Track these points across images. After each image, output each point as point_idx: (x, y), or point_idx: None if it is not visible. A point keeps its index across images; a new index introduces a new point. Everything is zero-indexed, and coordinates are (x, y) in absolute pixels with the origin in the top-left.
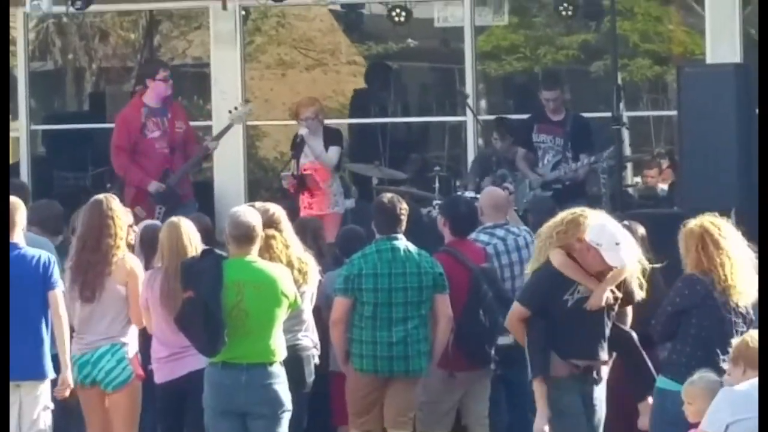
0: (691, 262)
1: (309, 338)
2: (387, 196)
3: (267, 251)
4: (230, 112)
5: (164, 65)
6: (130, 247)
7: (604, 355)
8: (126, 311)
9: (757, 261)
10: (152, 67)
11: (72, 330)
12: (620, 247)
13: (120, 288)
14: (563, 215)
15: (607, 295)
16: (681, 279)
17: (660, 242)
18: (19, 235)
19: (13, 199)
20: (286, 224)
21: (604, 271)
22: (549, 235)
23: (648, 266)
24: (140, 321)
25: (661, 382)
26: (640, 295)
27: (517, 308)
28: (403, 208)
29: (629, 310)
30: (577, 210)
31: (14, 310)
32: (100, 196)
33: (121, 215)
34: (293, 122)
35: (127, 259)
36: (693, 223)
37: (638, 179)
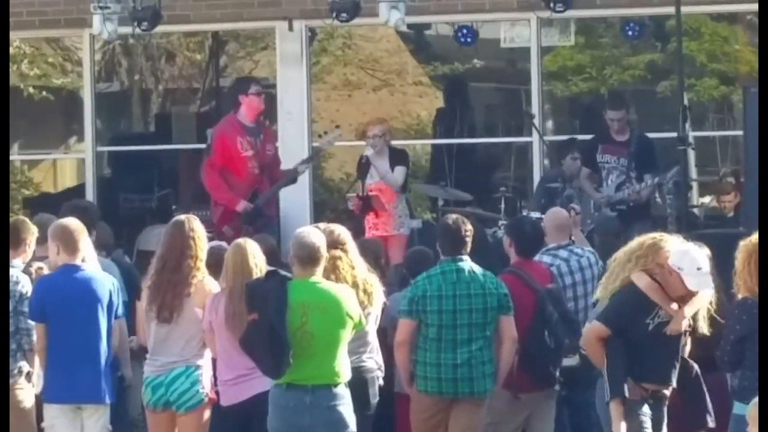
0: (741, 281)
1: (374, 360)
2: (452, 217)
3: (333, 272)
4: (320, 136)
5: (256, 80)
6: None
7: (674, 380)
8: (202, 334)
9: None
10: (245, 83)
11: (145, 351)
12: (702, 272)
13: (198, 310)
14: (642, 240)
15: (687, 320)
16: (737, 305)
17: (725, 263)
18: (83, 257)
19: (75, 223)
20: (351, 245)
21: (684, 296)
22: (627, 259)
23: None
24: None
25: (737, 408)
26: (704, 329)
27: (596, 327)
28: (468, 229)
29: (689, 340)
30: (656, 235)
31: (78, 333)
32: (182, 216)
33: (203, 237)
34: (359, 143)
35: (206, 282)
36: (747, 239)
37: (705, 200)
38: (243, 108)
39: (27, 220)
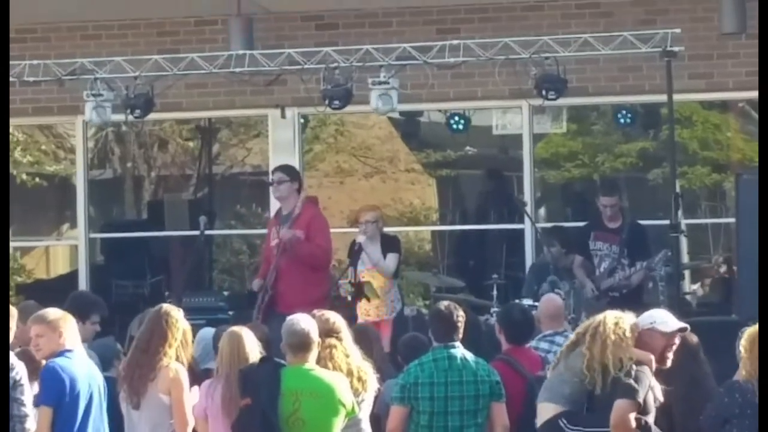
0: (743, 366)
1: None
2: (444, 304)
3: (329, 360)
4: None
5: (277, 169)
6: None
7: None
8: (169, 420)
9: None
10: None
11: None
12: (667, 314)
13: (162, 396)
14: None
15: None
16: (723, 385)
17: (717, 350)
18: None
19: (61, 313)
20: (345, 333)
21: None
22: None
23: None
24: (185, 431)
25: None
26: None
27: (627, 405)
28: (460, 315)
29: None
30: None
31: (85, 418)
32: (166, 305)
33: (178, 324)
34: (352, 230)
35: (172, 367)
36: (752, 327)
37: (695, 287)
38: None
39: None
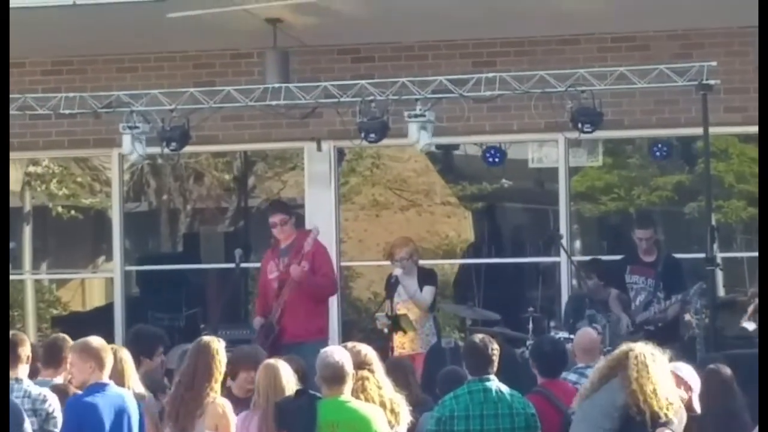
0: None
1: None
2: (478, 337)
3: (362, 392)
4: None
5: (274, 209)
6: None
7: None
8: None
9: None
10: (267, 212)
11: None
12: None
13: None
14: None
15: None
16: None
17: (753, 383)
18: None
19: (102, 343)
20: (377, 365)
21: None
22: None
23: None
24: None
25: None
26: None
27: None
28: (494, 348)
29: None
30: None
31: None
32: (206, 337)
33: (223, 359)
34: (387, 263)
35: (218, 403)
36: None
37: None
38: None
39: (66, 337)
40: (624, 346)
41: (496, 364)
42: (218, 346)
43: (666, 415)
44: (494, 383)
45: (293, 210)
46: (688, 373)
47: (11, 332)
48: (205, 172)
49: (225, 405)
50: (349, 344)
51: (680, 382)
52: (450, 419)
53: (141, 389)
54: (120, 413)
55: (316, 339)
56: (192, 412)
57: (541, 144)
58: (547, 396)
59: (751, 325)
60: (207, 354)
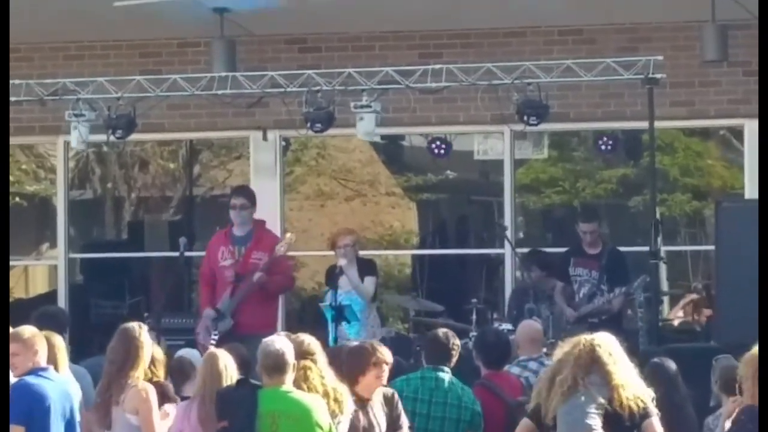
0: (748, 391)
1: None
2: (442, 331)
3: (304, 382)
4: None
5: (237, 192)
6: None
7: None
8: None
9: None
10: (230, 193)
11: None
12: None
13: (130, 417)
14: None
15: None
16: (742, 410)
17: (696, 377)
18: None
19: (35, 332)
20: (320, 355)
21: None
22: None
23: None
24: None
25: None
26: None
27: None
28: (456, 344)
29: None
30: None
31: None
32: (131, 323)
33: (146, 345)
34: (331, 253)
35: (141, 387)
36: (748, 354)
37: (681, 314)
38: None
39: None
40: (584, 339)
41: (454, 359)
42: (140, 330)
43: (645, 404)
44: (448, 375)
45: (255, 200)
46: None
47: None
48: (150, 161)
49: (148, 389)
50: (292, 335)
51: None
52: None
53: (70, 375)
54: (64, 396)
55: (267, 331)
56: (115, 395)
57: (486, 136)
58: (491, 388)
59: (676, 321)
60: (129, 339)
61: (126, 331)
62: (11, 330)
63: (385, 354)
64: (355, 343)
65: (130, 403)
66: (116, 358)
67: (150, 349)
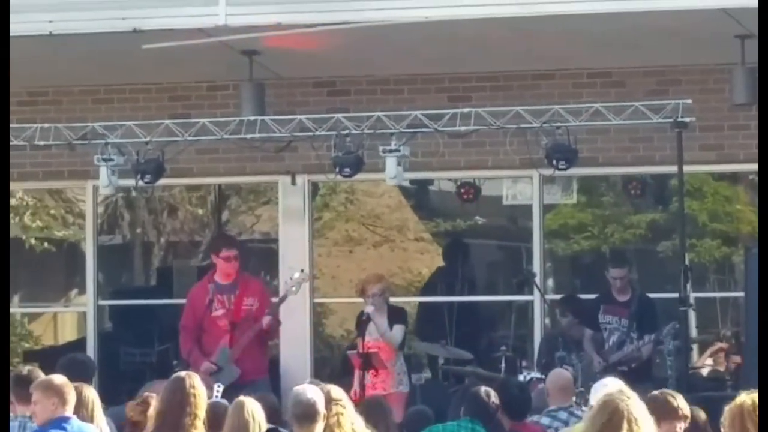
0: None
1: None
2: (484, 389)
3: (337, 428)
4: (285, 282)
5: (229, 243)
6: None
7: None
8: None
9: None
10: (217, 244)
11: None
12: None
13: None
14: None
15: None
16: None
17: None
18: (70, 411)
19: (64, 380)
20: (347, 401)
21: None
22: None
23: None
24: None
25: None
26: None
27: None
28: (496, 403)
29: None
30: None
31: None
32: (183, 373)
33: (202, 394)
34: (360, 300)
35: None
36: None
37: (707, 362)
38: (217, 268)
39: (37, 370)
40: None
41: (492, 417)
42: (196, 380)
43: None
44: (482, 429)
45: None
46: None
47: (27, 368)
48: (178, 206)
49: None
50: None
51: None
52: None
53: (106, 427)
54: None
55: (263, 377)
56: None
57: (515, 180)
58: None
59: (705, 370)
60: (185, 390)
61: (182, 381)
62: (39, 378)
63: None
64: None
65: None
66: (170, 410)
67: (206, 400)
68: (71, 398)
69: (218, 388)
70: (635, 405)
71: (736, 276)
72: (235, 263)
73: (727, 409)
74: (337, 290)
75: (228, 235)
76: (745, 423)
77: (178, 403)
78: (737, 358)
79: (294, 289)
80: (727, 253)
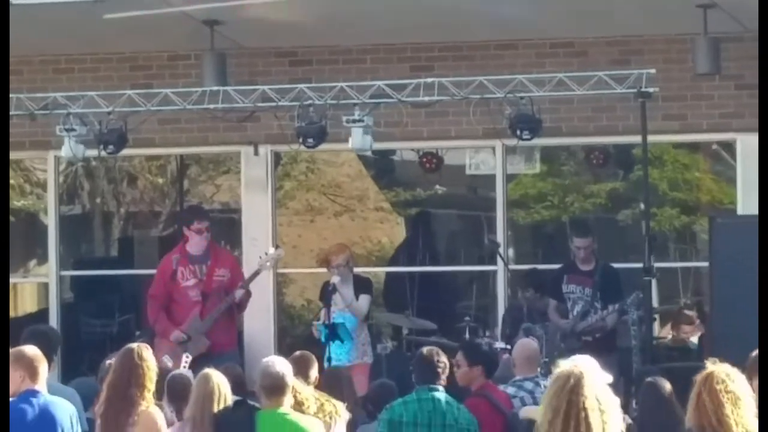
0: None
1: None
2: (426, 349)
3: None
4: (260, 257)
5: (200, 215)
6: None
7: None
8: None
9: None
10: (188, 216)
11: None
12: None
13: None
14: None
15: None
16: None
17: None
18: (42, 385)
19: (36, 352)
20: (314, 371)
21: None
22: None
23: None
24: None
25: None
26: None
27: None
28: (442, 361)
29: None
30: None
31: None
32: (133, 344)
33: (152, 366)
34: (321, 270)
35: (151, 412)
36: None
37: (664, 330)
38: (189, 239)
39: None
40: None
41: (443, 376)
42: (145, 353)
43: None
44: (442, 394)
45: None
46: None
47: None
48: (138, 175)
49: (157, 415)
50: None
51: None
52: (399, 424)
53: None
54: (50, 421)
55: (232, 349)
56: (123, 420)
57: (477, 150)
58: (489, 398)
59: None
60: (138, 362)
61: (132, 352)
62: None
63: None
64: None
65: (144, 428)
66: (120, 381)
67: (155, 371)
68: (42, 371)
69: (186, 359)
70: (590, 377)
71: (697, 245)
72: (206, 235)
73: (695, 381)
74: (298, 260)
75: (199, 206)
76: (718, 396)
77: (126, 375)
78: (688, 328)
79: (269, 264)
80: (687, 222)
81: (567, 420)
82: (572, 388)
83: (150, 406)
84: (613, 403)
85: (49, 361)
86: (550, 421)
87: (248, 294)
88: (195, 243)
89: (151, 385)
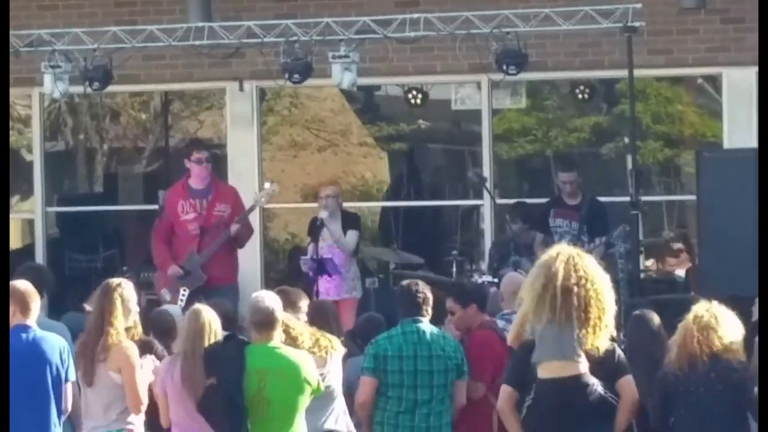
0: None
1: (343, 422)
2: (405, 282)
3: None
4: (255, 193)
5: (199, 146)
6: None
7: None
8: (122, 399)
9: None
10: (188, 148)
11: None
12: None
13: (113, 375)
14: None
15: None
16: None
17: (674, 328)
18: (33, 320)
19: (28, 285)
20: (304, 302)
21: None
22: None
23: None
24: (138, 409)
25: None
26: None
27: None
28: (422, 292)
29: None
30: None
31: (28, 394)
32: (113, 279)
33: (127, 300)
34: (305, 205)
35: (123, 346)
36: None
37: (650, 263)
38: (190, 172)
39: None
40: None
41: (426, 307)
42: (122, 286)
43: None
44: (427, 325)
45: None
46: None
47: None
48: (121, 111)
49: (129, 347)
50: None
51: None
52: (384, 358)
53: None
54: (41, 356)
55: (231, 282)
56: (96, 353)
57: (462, 85)
58: (497, 329)
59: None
60: (110, 295)
61: (107, 286)
62: None
63: None
64: None
65: (114, 362)
66: (97, 315)
67: (133, 305)
68: (33, 306)
69: (183, 293)
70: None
71: (681, 179)
72: (207, 165)
73: (681, 325)
74: (282, 195)
75: (198, 138)
76: (710, 337)
77: (99, 309)
78: (673, 260)
79: (263, 200)
80: (670, 155)
81: (554, 294)
82: (567, 260)
83: (123, 340)
84: (603, 278)
85: (41, 297)
86: (539, 294)
87: (249, 229)
88: (196, 174)
89: (124, 319)
